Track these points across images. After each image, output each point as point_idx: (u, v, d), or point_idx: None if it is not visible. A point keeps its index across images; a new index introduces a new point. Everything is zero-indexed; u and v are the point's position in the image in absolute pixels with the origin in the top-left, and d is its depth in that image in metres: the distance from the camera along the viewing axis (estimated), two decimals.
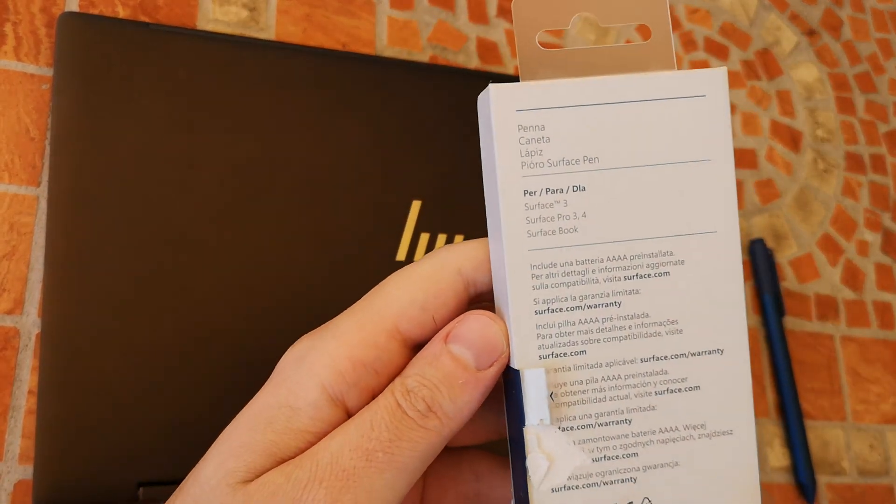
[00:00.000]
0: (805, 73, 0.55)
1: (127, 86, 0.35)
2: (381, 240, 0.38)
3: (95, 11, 0.38)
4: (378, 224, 0.38)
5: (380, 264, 0.37)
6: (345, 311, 0.24)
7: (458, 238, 0.39)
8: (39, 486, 0.31)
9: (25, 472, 0.32)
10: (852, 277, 0.51)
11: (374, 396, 0.23)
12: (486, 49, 0.46)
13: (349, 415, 0.23)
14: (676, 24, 0.52)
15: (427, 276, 0.24)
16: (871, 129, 0.55)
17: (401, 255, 0.38)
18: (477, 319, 0.23)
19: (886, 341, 0.51)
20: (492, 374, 0.23)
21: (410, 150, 0.39)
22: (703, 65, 0.52)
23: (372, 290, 0.24)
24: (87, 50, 0.35)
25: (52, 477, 0.31)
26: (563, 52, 0.24)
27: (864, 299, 0.51)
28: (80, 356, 0.32)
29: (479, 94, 0.23)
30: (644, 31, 0.51)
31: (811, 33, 0.56)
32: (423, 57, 0.44)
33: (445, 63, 0.44)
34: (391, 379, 0.23)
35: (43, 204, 0.35)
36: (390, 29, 0.44)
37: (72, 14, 0.36)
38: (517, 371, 0.22)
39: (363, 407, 0.23)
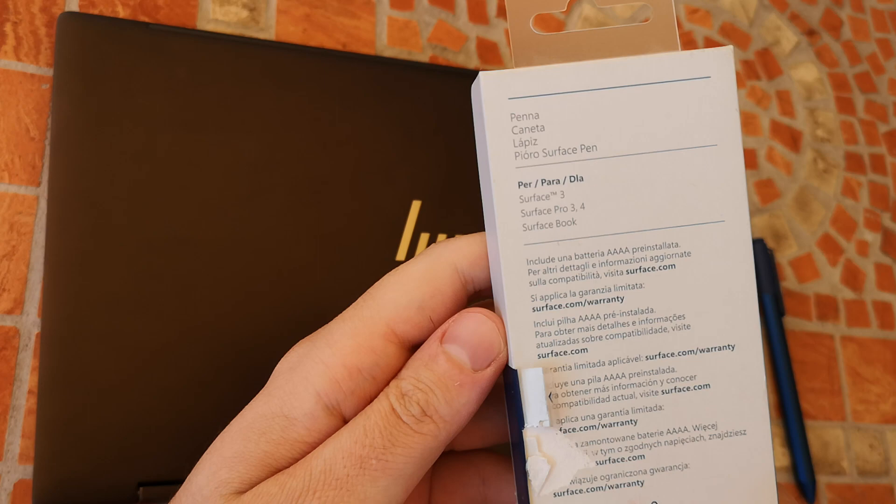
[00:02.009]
0: (805, 73, 0.55)
1: (127, 86, 0.35)
2: (381, 240, 0.38)
3: (95, 11, 0.38)
4: (378, 224, 0.38)
5: (380, 264, 0.37)
6: (338, 317, 0.23)
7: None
8: (39, 486, 0.31)
9: (25, 472, 0.32)
10: (852, 277, 0.51)
11: (371, 403, 0.23)
12: (486, 49, 0.45)
13: (346, 423, 0.22)
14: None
15: (422, 274, 0.23)
16: (870, 129, 0.55)
17: (401, 254, 0.38)
18: (472, 318, 0.22)
19: (886, 341, 0.50)
20: (489, 374, 0.22)
21: (410, 150, 0.39)
22: None
23: (366, 292, 0.24)
24: (87, 50, 0.35)
25: (52, 477, 0.31)
26: (558, 35, 0.22)
27: (864, 299, 0.51)
28: (80, 356, 0.32)
29: None
30: None
31: (811, 33, 0.56)
32: (423, 57, 0.44)
33: (445, 63, 0.44)
34: (389, 383, 0.23)
35: (43, 204, 0.35)
36: (390, 29, 0.44)
37: (72, 14, 0.36)
38: (515, 371, 0.22)
39: None
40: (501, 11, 0.47)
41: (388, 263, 0.37)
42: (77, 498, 0.31)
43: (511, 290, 0.22)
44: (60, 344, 0.32)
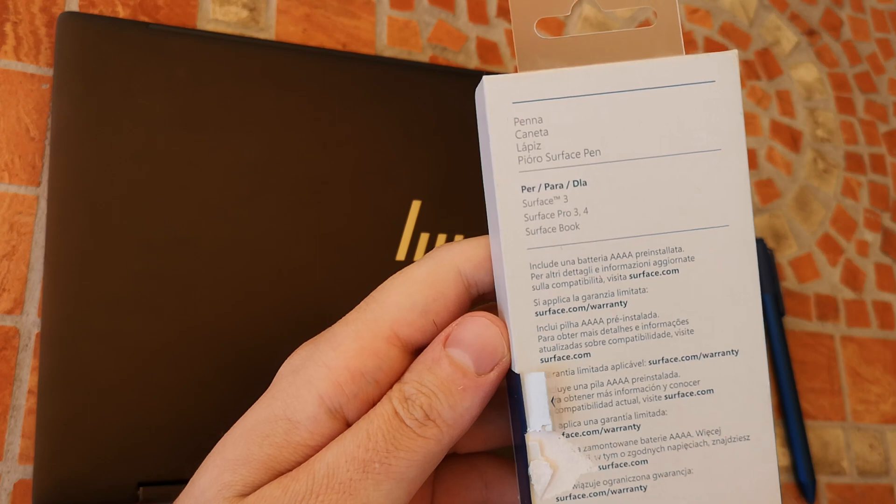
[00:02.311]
0: (805, 73, 0.55)
1: (127, 86, 0.35)
2: (381, 240, 0.38)
3: (95, 11, 0.38)
4: (378, 224, 0.38)
5: (380, 264, 0.37)
6: (342, 319, 0.23)
7: (458, 238, 0.39)
8: (39, 486, 0.31)
9: (25, 472, 0.32)
10: (852, 277, 0.51)
11: (374, 406, 0.23)
12: (486, 49, 0.45)
13: (349, 427, 0.22)
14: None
15: (425, 278, 0.23)
16: (870, 129, 0.55)
17: (401, 255, 0.38)
18: (476, 322, 0.22)
19: (886, 341, 0.50)
20: (492, 378, 0.22)
21: (410, 150, 0.39)
22: None
23: (369, 295, 0.24)
24: (87, 50, 0.35)
25: (52, 477, 0.31)
26: (563, 39, 0.22)
27: (864, 299, 0.51)
28: (80, 356, 0.32)
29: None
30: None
31: (811, 33, 0.56)
32: (423, 57, 0.44)
33: (445, 63, 0.44)
34: (392, 386, 0.23)
35: (43, 204, 0.35)
36: (390, 29, 0.44)
37: (72, 14, 0.36)
38: (518, 375, 0.22)
39: None
40: (501, 11, 0.47)
41: (388, 263, 0.37)
42: (77, 498, 0.31)
43: (514, 295, 0.22)
44: (60, 344, 0.32)
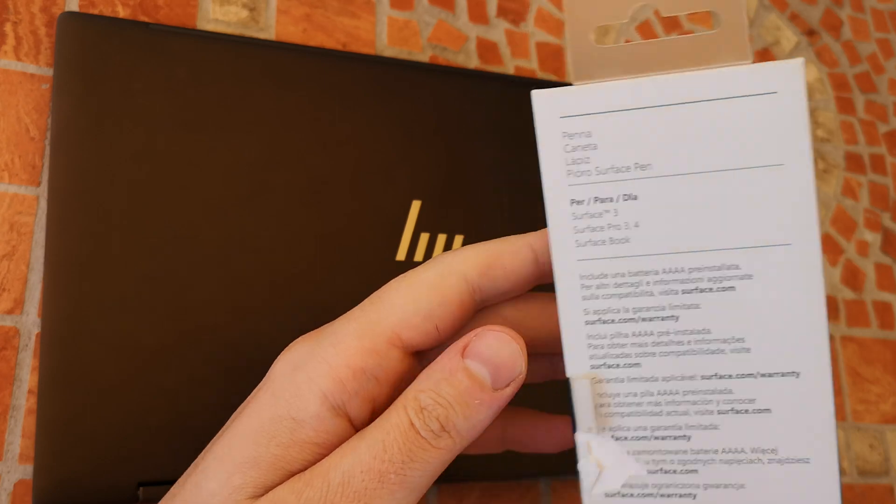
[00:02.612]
0: (805, 73, 0.55)
1: (127, 86, 0.35)
2: (381, 240, 0.38)
3: (95, 11, 0.38)
4: (378, 224, 0.38)
5: (380, 264, 0.37)
6: (343, 317, 0.24)
7: (458, 238, 0.39)
8: (39, 486, 0.31)
9: (25, 472, 0.32)
10: (852, 277, 0.51)
11: (375, 403, 0.23)
12: (486, 49, 0.45)
13: (352, 423, 0.23)
14: (676, 24, 0.52)
15: (431, 282, 0.23)
16: (871, 129, 0.55)
17: (401, 254, 0.38)
18: (496, 337, 0.22)
19: (886, 341, 0.50)
20: (508, 393, 0.22)
21: (410, 150, 0.39)
22: None
23: (372, 295, 0.24)
24: (87, 50, 0.35)
25: (52, 477, 0.31)
26: (620, 47, 0.22)
27: (864, 299, 0.51)
28: (80, 356, 0.32)
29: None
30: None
31: (811, 33, 0.56)
32: (423, 57, 0.44)
33: (445, 63, 0.44)
34: (393, 385, 0.23)
35: (43, 204, 0.35)
36: (390, 29, 0.44)
37: (72, 14, 0.36)
38: (569, 378, 0.22)
39: (365, 414, 0.23)
40: (501, 11, 0.47)
41: (388, 263, 0.37)
42: (77, 498, 0.31)
43: (564, 304, 0.22)
44: (60, 344, 0.32)
